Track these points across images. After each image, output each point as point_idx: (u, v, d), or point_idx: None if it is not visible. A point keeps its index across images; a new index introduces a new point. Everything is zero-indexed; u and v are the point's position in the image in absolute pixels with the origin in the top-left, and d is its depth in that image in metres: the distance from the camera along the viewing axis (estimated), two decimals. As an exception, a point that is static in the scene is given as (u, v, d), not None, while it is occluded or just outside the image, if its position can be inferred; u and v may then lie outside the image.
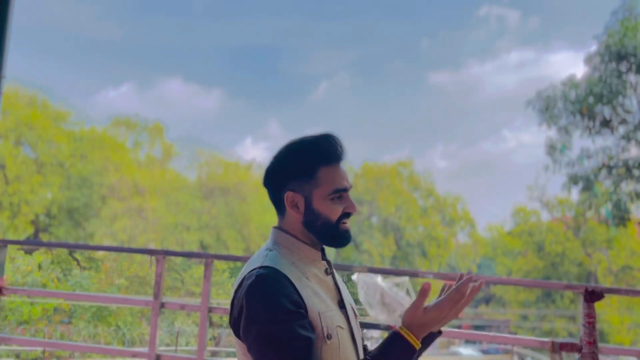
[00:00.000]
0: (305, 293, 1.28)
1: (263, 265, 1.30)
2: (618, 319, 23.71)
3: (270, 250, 1.36)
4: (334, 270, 1.45)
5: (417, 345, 1.28)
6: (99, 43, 39.72)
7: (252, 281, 1.26)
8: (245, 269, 1.35)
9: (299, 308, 1.24)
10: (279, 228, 1.43)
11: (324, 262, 1.42)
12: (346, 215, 1.38)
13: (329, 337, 1.28)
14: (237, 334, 1.30)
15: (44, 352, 10.06)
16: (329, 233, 1.37)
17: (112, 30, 42.06)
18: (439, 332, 1.46)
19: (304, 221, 1.37)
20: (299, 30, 46.75)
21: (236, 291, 1.31)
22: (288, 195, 1.37)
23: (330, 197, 1.36)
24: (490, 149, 49.12)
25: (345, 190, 1.38)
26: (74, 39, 40.09)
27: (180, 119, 42.93)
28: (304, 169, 1.36)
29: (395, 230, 30.33)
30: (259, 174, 27.08)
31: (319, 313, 1.28)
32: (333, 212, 1.36)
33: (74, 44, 39.85)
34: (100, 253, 16.71)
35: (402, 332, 1.28)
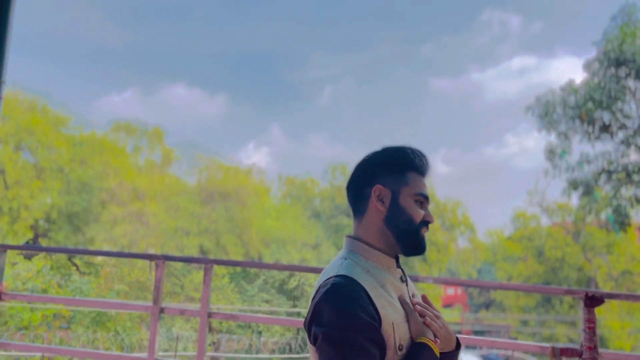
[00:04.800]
0: (379, 303, 1.28)
1: (339, 274, 1.31)
2: (618, 324, 23.66)
3: (345, 259, 1.38)
4: (408, 278, 1.46)
5: (436, 350, 1.32)
6: (101, 49, 39.88)
7: (328, 289, 1.28)
8: (321, 278, 1.37)
9: (373, 320, 1.24)
10: (353, 237, 1.44)
11: (399, 269, 1.43)
12: (426, 223, 1.41)
13: (400, 348, 1.28)
14: (310, 339, 1.32)
15: (42, 357, 10.02)
16: (409, 234, 1.38)
17: (114, 36, 42.18)
18: (458, 347, 1.45)
19: (387, 216, 1.39)
20: (301, 36, 46.91)
21: (313, 299, 1.33)
22: (376, 188, 1.39)
23: (415, 198, 1.40)
24: (491, 154, 49.24)
25: (428, 199, 1.43)
26: (77, 45, 40.22)
27: (184, 125, 43.07)
28: (395, 167, 1.41)
29: (395, 235, 30.27)
30: (258, 179, 27.10)
31: (392, 324, 1.28)
32: (416, 213, 1.39)
33: (77, 49, 39.98)
34: (100, 258, 16.69)
35: (424, 341, 1.31)
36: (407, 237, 1.38)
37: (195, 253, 21.80)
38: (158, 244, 21.62)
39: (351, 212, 1.48)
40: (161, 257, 3.67)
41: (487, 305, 37.66)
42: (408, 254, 1.42)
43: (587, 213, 15.99)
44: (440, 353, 1.38)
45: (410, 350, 1.29)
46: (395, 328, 1.28)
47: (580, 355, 2.82)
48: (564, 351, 2.90)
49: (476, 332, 33.19)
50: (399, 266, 1.43)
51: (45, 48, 38.18)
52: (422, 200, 1.41)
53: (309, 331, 1.31)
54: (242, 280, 18.91)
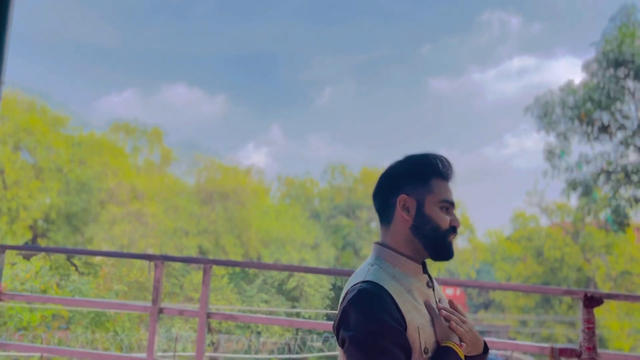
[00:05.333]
0: (405, 308, 1.32)
1: (366, 279, 1.35)
2: (617, 325, 23.66)
3: (372, 265, 1.41)
4: (435, 283, 1.49)
5: (461, 353, 1.35)
6: (101, 49, 39.87)
7: (355, 294, 1.33)
8: (349, 284, 1.42)
9: (399, 324, 1.28)
10: (380, 243, 1.47)
11: (425, 275, 1.46)
12: (453, 229, 1.43)
13: (425, 351, 1.32)
14: (338, 342, 1.36)
15: (41, 358, 10.01)
16: (436, 241, 1.41)
17: (114, 36, 42.18)
18: (485, 351, 1.47)
19: (413, 225, 1.41)
20: (301, 37, 46.88)
21: (341, 303, 1.38)
22: (401, 198, 1.42)
23: (440, 205, 1.42)
24: (491, 154, 49.24)
25: (453, 204, 1.45)
26: (76, 45, 40.18)
27: (183, 125, 43.04)
28: (418, 176, 1.43)
29: (394, 236, 30.23)
30: (257, 179, 27.09)
31: (418, 327, 1.32)
32: (443, 220, 1.41)
33: (76, 49, 39.94)
34: (99, 258, 16.67)
35: (449, 345, 1.34)
36: (435, 244, 1.41)
37: (194, 253, 21.78)
38: (157, 244, 21.61)
39: (378, 219, 1.51)
40: (160, 257, 3.67)
41: (486, 306, 37.67)
42: (436, 259, 1.44)
43: (586, 213, 15.99)
44: (468, 356, 1.41)
45: (436, 353, 1.33)
46: (421, 332, 1.32)
47: (579, 355, 2.82)
48: (563, 351, 2.90)
49: (475, 333, 33.13)
50: (425, 272, 1.46)
51: (44, 48, 38.17)
52: (448, 206, 1.43)
53: (337, 335, 1.35)
54: (242, 280, 18.90)
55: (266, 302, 18.87)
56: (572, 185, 15.69)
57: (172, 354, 11.90)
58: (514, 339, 27.31)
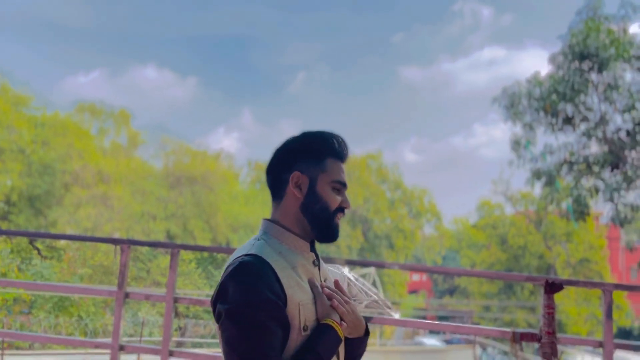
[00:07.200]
0: (287, 283, 1.29)
1: (249, 253, 1.31)
2: (575, 311, 24.54)
3: (259, 240, 1.38)
4: (321, 262, 1.47)
5: (340, 332, 1.34)
6: (68, 28, 38.72)
7: (235, 267, 1.28)
8: (231, 257, 1.37)
9: (278, 299, 1.25)
10: (269, 220, 1.44)
11: (312, 253, 1.44)
12: (341, 210, 1.42)
13: (305, 328, 1.29)
14: (215, 317, 1.31)
15: (2, 342, 9.79)
16: (323, 221, 1.39)
17: (83, 15, 40.94)
18: (367, 333, 1.46)
19: (303, 203, 1.39)
20: (273, 22, 46.42)
21: (222, 277, 1.33)
22: (295, 175, 1.39)
23: (332, 185, 1.41)
24: (459, 144, 50.02)
25: (345, 185, 1.43)
26: (41, 23, 38.87)
27: (153, 107, 42.34)
28: (314, 154, 1.41)
29: (363, 222, 30.58)
30: (227, 164, 26.85)
31: (298, 304, 1.29)
32: (333, 200, 1.40)
33: (42, 27, 38.66)
34: (62, 242, 16.31)
35: (329, 322, 1.33)
36: (321, 224, 1.40)
37: (161, 238, 21.53)
38: (123, 228, 21.26)
39: (270, 196, 1.47)
40: (126, 241, 3.61)
41: (451, 292, 38.48)
42: (321, 240, 1.42)
43: (548, 202, 16.36)
44: (349, 339, 1.41)
45: (314, 330, 1.31)
46: (301, 309, 1.29)
47: (539, 339, 2.91)
48: (524, 336, 2.98)
49: (440, 318, 33.89)
50: (313, 250, 1.44)
51: (6, 25, 36.76)
52: (340, 187, 1.42)
53: (214, 309, 1.31)
54: (210, 265, 18.79)
55: (234, 287, 18.83)
56: (537, 174, 16.03)
57: (138, 338, 11.79)
58: (478, 324, 28.04)
